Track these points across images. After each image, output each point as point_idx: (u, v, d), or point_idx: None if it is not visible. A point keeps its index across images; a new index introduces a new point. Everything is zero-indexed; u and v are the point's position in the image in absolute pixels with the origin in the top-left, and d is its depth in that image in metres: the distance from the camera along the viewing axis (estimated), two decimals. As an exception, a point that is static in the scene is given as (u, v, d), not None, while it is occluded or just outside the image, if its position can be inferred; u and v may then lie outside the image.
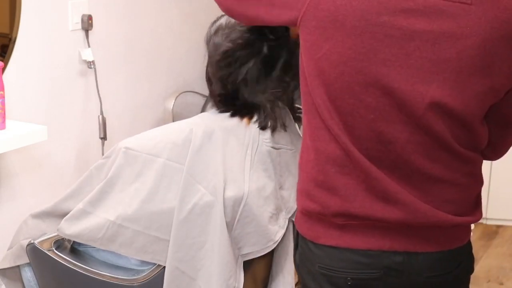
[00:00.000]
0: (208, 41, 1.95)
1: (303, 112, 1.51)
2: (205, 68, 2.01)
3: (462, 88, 1.36)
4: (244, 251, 1.90)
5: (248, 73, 1.89)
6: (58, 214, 1.99)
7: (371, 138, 1.40)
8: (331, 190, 1.44)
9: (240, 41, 1.88)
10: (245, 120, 1.93)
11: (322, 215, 1.47)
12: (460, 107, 1.37)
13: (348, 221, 1.45)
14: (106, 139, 2.94)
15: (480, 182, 1.51)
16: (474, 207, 1.50)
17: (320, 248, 1.49)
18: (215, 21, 1.97)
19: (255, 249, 1.91)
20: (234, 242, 1.88)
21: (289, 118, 2.00)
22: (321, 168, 1.45)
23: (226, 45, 1.89)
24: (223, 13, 1.96)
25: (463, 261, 1.54)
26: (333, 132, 1.41)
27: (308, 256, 1.52)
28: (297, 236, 1.59)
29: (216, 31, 1.93)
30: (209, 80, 2.00)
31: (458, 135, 1.40)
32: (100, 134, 2.93)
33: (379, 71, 1.35)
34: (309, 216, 1.50)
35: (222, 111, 1.96)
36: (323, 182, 1.45)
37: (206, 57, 1.97)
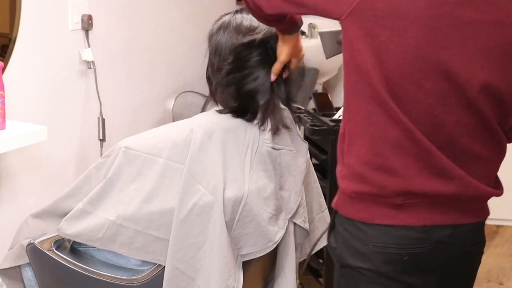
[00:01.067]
0: (210, 38, 1.95)
1: (346, 102, 1.56)
2: (205, 69, 2.00)
3: (509, 72, 1.50)
4: (244, 251, 1.90)
5: (260, 78, 1.89)
6: (58, 214, 1.99)
7: (425, 122, 1.49)
8: (389, 171, 1.52)
9: (250, 43, 1.87)
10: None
11: (379, 196, 1.54)
12: (506, 89, 1.51)
13: (406, 200, 1.53)
14: (105, 141, 2.94)
15: (503, 157, 1.64)
16: (497, 182, 1.65)
17: (374, 228, 1.55)
18: (218, 19, 1.96)
19: (255, 250, 1.91)
20: (234, 242, 1.88)
21: (290, 119, 1.99)
22: (378, 151, 1.52)
23: (235, 47, 1.88)
24: (224, 13, 1.95)
25: (484, 230, 1.68)
26: (393, 115, 1.49)
27: (358, 237, 1.57)
28: (334, 220, 1.64)
29: (219, 29, 1.92)
30: (209, 79, 1.99)
31: (499, 115, 1.53)
32: (99, 136, 2.92)
33: (440, 58, 1.46)
34: (360, 199, 1.56)
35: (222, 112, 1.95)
36: (380, 165, 1.52)
37: (207, 55, 1.96)
